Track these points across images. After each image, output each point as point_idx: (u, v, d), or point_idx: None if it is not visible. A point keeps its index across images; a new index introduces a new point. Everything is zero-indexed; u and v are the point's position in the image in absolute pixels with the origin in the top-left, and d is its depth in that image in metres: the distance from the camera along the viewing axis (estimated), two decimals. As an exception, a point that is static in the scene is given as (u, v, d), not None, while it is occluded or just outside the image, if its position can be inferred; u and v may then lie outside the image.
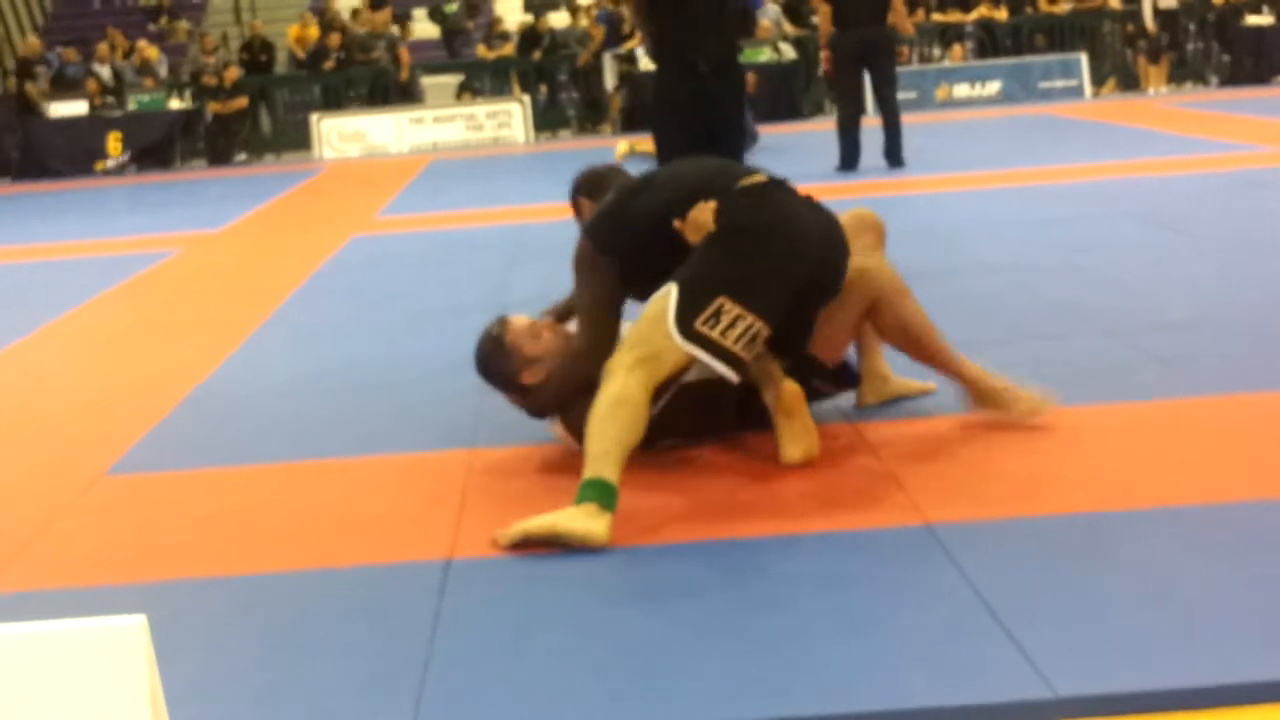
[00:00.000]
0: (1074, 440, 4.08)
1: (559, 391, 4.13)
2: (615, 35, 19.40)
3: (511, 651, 2.92)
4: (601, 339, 4.01)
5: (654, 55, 7.04)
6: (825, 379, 4.38)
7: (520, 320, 4.24)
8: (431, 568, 3.41)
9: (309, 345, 6.36)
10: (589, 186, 4.73)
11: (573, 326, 4.26)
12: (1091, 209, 8.75)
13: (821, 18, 11.69)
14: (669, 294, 3.75)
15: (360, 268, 8.73)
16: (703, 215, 3.86)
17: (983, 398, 4.30)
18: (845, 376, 4.47)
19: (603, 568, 3.36)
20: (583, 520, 3.44)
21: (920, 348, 4.37)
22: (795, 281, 3.86)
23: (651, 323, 3.74)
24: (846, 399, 4.58)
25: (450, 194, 13.03)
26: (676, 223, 3.90)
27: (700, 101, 6.63)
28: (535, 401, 4.21)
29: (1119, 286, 6.22)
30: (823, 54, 11.91)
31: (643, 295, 3.95)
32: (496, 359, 4.21)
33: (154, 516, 4.04)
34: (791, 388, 3.98)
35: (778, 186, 4.07)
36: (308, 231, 10.94)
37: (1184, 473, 3.75)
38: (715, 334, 3.69)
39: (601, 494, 3.47)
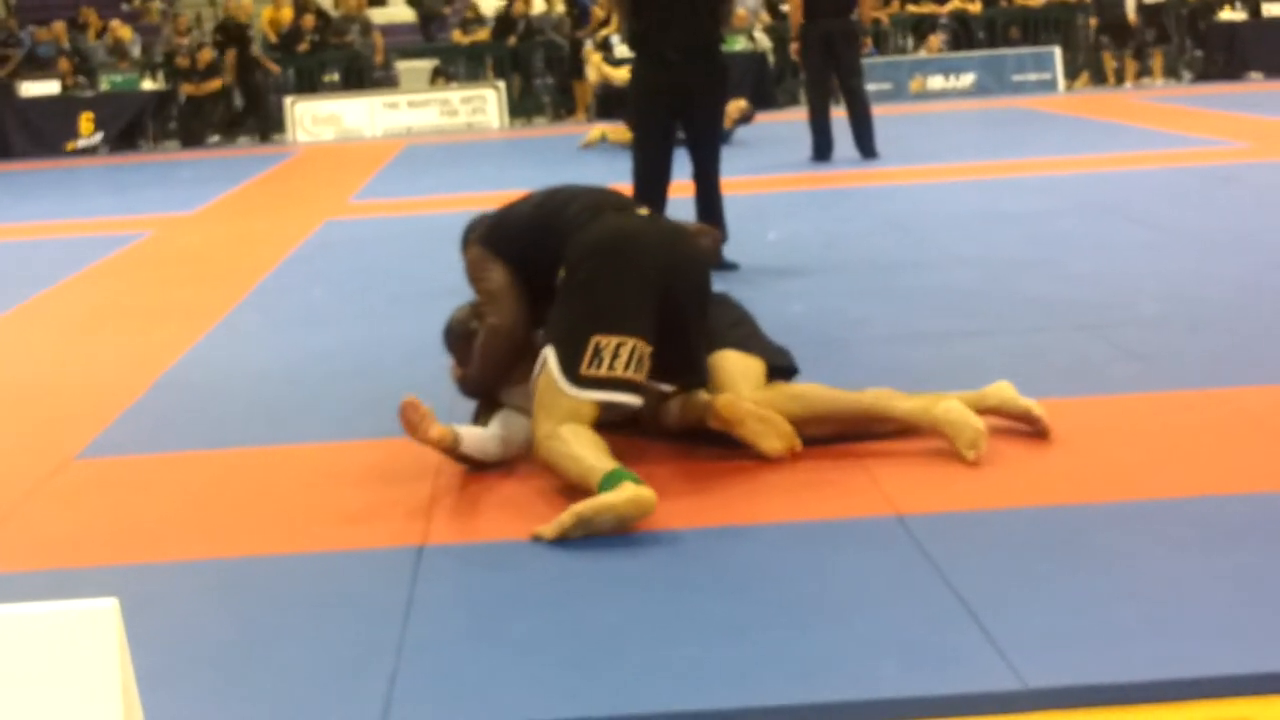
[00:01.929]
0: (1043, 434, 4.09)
1: (482, 370, 4.15)
2: (584, 17, 19.31)
3: (483, 637, 2.92)
4: (515, 310, 4.08)
5: (629, 43, 7.00)
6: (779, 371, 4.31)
7: (461, 311, 4.32)
8: (404, 553, 3.41)
9: (282, 329, 6.35)
10: (473, 228, 4.52)
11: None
12: (1064, 203, 8.78)
13: (791, 7, 11.77)
14: (546, 360, 3.82)
15: (334, 252, 8.70)
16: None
17: (933, 428, 4.01)
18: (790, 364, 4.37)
19: (574, 555, 3.36)
20: (629, 489, 3.44)
21: (843, 421, 4.09)
22: (652, 291, 3.88)
23: (548, 391, 3.80)
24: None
25: (425, 179, 13.00)
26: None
27: (673, 90, 6.57)
28: (469, 383, 4.25)
29: (1091, 281, 6.25)
30: (793, 45, 11.96)
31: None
32: (450, 340, 4.32)
33: (125, 500, 4.03)
34: (722, 399, 3.95)
35: (599, 214, 4.05)
36: (281, 215, 10.90)
37: (1156, 467, 3.78)
38: (604, 371, 3.77)
39: (624, 476, 3.49)
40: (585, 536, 3.42)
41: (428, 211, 10.31)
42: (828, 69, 11.68)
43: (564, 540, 3.41)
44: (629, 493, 3.43)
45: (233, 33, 19.96)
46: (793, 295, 6.20)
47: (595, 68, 15.66)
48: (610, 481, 3.48)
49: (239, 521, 3.77)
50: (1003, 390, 4.15)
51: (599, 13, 19.55)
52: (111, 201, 12.69)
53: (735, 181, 10.17)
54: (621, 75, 14.70)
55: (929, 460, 3.92)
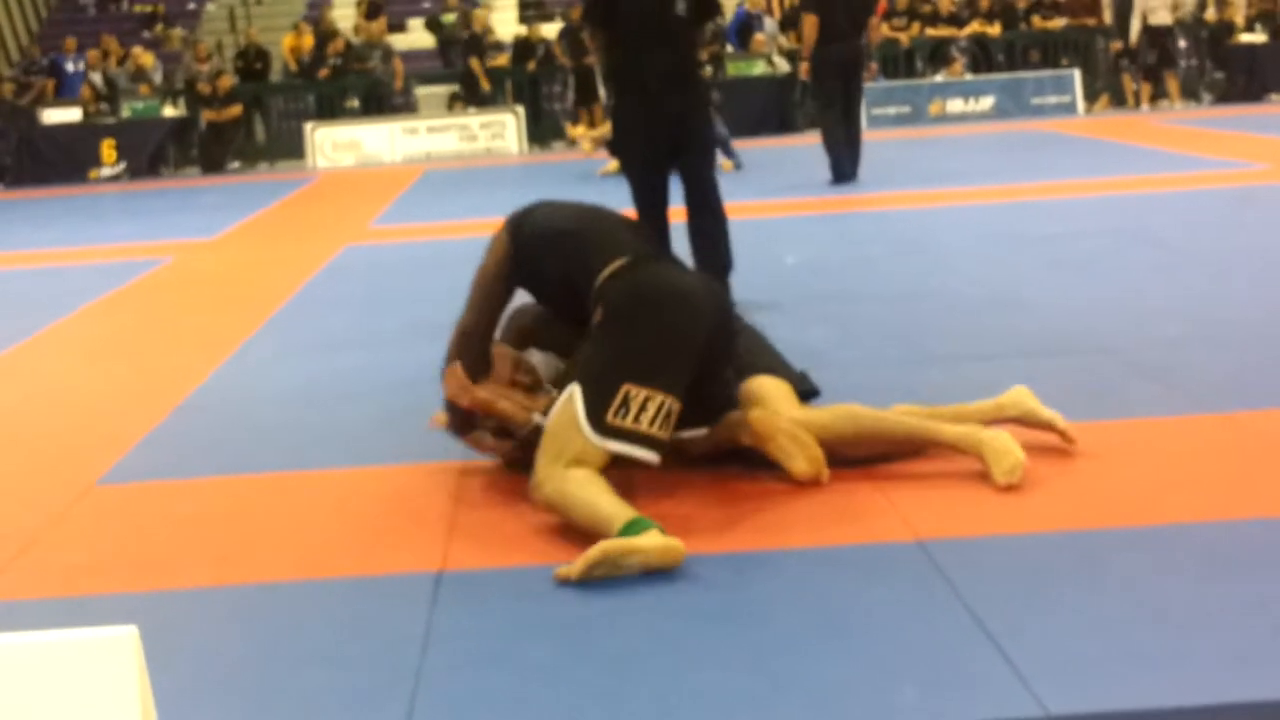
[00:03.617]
0: (1066, 457, 4.08)
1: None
2: (574, 49, 19.17)
3: (502, 664, 2.92)
4: (490, 303, 4.21)
5: (606, 77, 6.85)
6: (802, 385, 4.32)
7: (503, 347, 4.29)
8: (423, 579, 3.41)
9: (302, 354, 6.36)
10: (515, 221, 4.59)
11: (535, 357, 4.30)
12: (1084, 225, 8.76)
13: (808, 27, 11.75)
14: (573, 398, 3.73)
15: (354, 277, 8.72)
16: None
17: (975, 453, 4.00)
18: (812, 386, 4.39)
19: (592, 580, 3.35)
20: (658, 538, 3.35)
21: (890, 443, 4.11)
22: (692, 347, 3.82)
23: (566, 429, 3.71)
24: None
25: (444, 204, 13.03)
26: None
27: (655, 120, 6.39)
28: (514, 458, 4.17)
29: (1110, 303, 6.24)
30: (803, 66, 12.04)
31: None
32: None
33: (145, 526, 4.03)
34: (756, 414, 3.96)
35: (643, 261, 4.02)
36: (301, 240, 10.93)
37: (1176, 491, 3.76)
38: (629, 423, 3.68)
39: (648, 524, 3.40)
40: (607, 574, 3.32)
41: (447, 237, 10.33)
42: (840, 97, 11.73)
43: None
44: (660, 542, 3.33)
45: (252, 59, 20.09)
46: (811, 319, 6.20)
47: (585, 139, 15.62)
48: (635, 529, 3.38)
49: (258, 547, 3.78)
50: (1023, 399, 4.13)
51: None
52: (133, 227, 12.75)
53: (753, 205, 10.20)
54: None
55: (948, 484, 3.90)
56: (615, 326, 3.83)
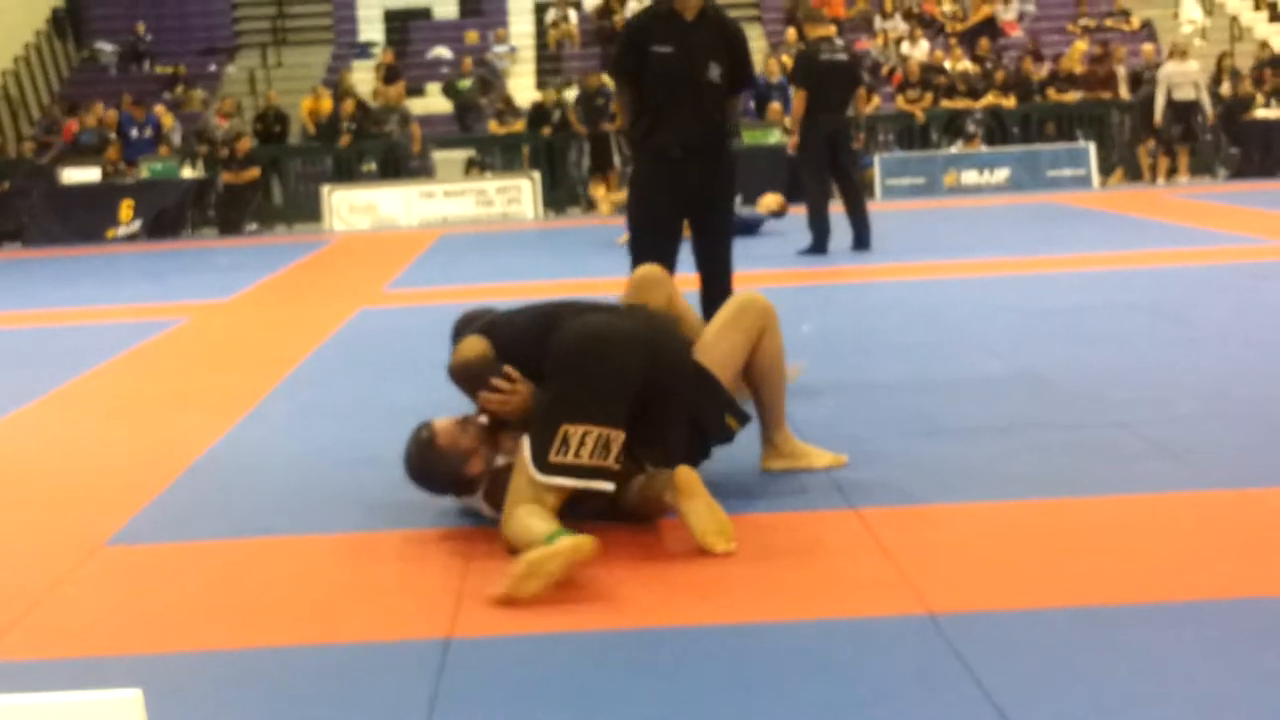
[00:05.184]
0: (1081, 532, 4.06)
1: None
2: (589, 115, 19.27)
3: (509, 734, 2.89)
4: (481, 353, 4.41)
5: (629, 137, 6.50)
6: (734, 414, 4.52)
7: (444, 420, 4.43)
8: (431, 646, 3.39)
9: (314, 417, 6.36)
10: (464, 325, 4.69)
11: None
12: (1098, 299, 8.76)
13: (797, 101, 12.16)
14: (524, 444, 4.07)
15: (368, 340, 8.74)
16: None
17: (786, 456, 4.78)
18: (745, 414, 4.61)
19: (604, 650, 3.33)
20: (567, 540, 3.66)
21: (773, 385, 4.69)
22: (626, 380, 4.11)
23: (516, 478, 4.07)
24: (851, 485, 4.57)
25: (460, 268, 13.08)
26: None
27: (674, 190, 6.10)
28: (495, 497, 4.31)
29: (1126, 377, 6.22)
30: (791, 139, 12.36)
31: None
32: (434, 461, 4.39)
33: (153, 588, 4.02)
34: (682, 470, 4.08)
35: (585, 311, 4.35)
36: (317, 303, 10.97)
37: (1192, 567, 3.73)
38: (570, 458, 3.99)
39: (563, 532, 3.74)
40: (612, 629, 3.38)
41: (462, 301, 10.32)
42: (827, 165, 11.99)
43: (593, 632, 3.38)
44: (570, 542, 3.65)
45: (271, 122, 20.24)
46: (824, 388, 6.18)
47: (605, 201, 15.73)
48: (551, 539, 3.70)
49: (266, 611, 3.76)
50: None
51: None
52: (149, 288, 12.81)
53: (765, 274, 10.21)
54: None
55: (961, 557, 3.88)
56: (555, 373, 4.13)
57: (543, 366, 4.21)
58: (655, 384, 4.18)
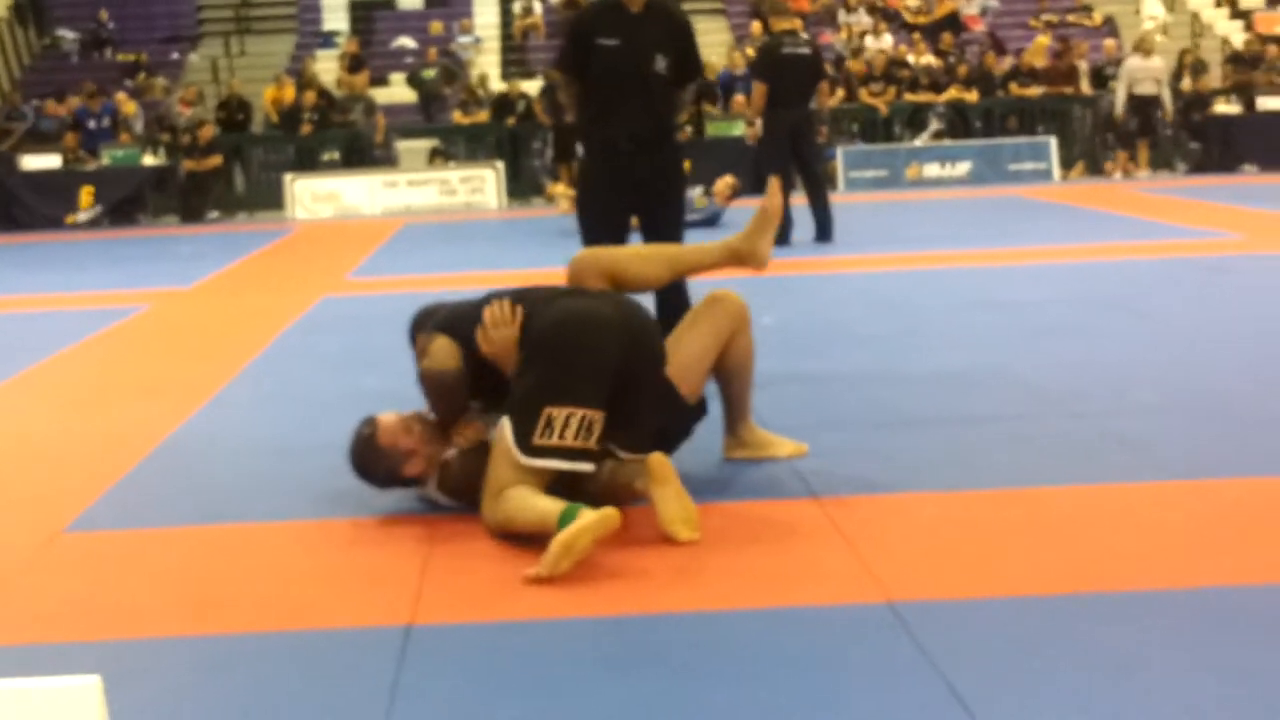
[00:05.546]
0: (1042, 522, 4.08)
1: (468, 471, 4.31)
2: (554, 107, 19.19)
3: (470, 721, 2.89)
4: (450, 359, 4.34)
5: (576, 128, 6.45)
6: (695, 417, 4.58)
7: (389, 417, 4.44)
8: (392, 633, 3.39)
9: (275, 405, 6.34)
10: (420, 321, 4.67)
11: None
12: (1058, 291, 8.81)
13: (756, 94, 12.18)
14: (504, 429, 4.08)
15: (330, 328, 8.71)
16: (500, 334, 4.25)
17: (748, 445, 4.83)
18: (703, 407, 4.65)
19: (566, 638, 3.34)
20: (591, 515, 3.71)
21: (742, 381, 4.75)
22: (604, 362, 4.14)
23: (500, 461, 4.07)
24: (813, 471, 4.59)
25: (422, 257, 13.05)
26: (479, 335, 4.28)
27: (623, 183, 6.03)
28: (449, 485, 4.37)
29: (1085, 369, 6.26)
30: (749, 130, 12.37)
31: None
32: (373, 459, 4.41)
33: (111, 575, 4.00)
34: (657, 455, 4.11)
35: (557, 297, 4.37)
36: (278, 291, 10.92)
37: (1148, 557, 3.76)
38: (554, 441, 4.03)
39: (578, 507, 3.77)
40: (577, 617, 3.39)
41: (425, 290, 10.30)
42: (789, 156, 12.00)
43: (554, 620, 3.38)
44: (596, 516, 3.70)
45: (234, 110, 20.14)
46: (787, 378, 6.20)
47: (564, 197, 15.67)
48: (569, 516, 3.75)
49: (225, 598, 3.74)
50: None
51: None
52: (109, 275, 12.72)
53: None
54: None
55: (921, 546, 3.90)
56: (533, 357, 4.16)
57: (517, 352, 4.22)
58: (630, 368, 4.21)
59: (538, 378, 4.11)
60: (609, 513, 3.72)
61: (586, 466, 4.10)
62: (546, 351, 4.15)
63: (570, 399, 4.05)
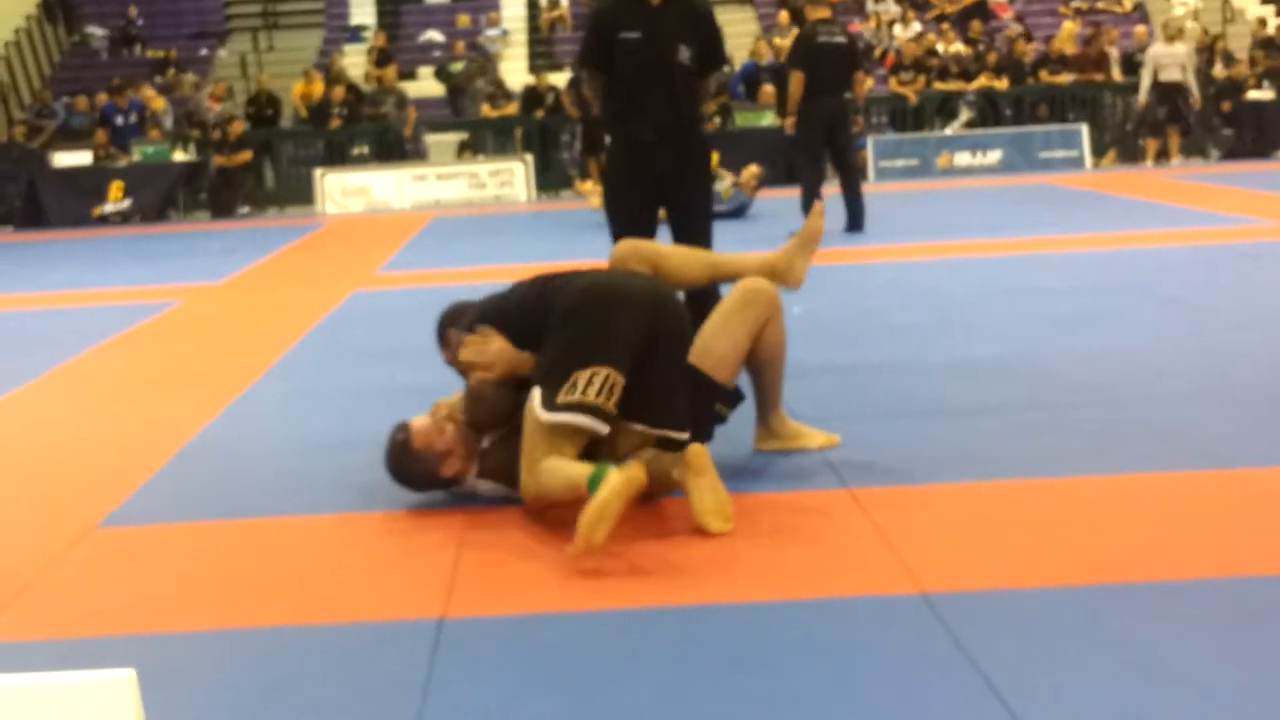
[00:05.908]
0: (1073, 511, 4.06)
1: (508, 454, 4.34)
2: (581, 100, 19.19)
3: (504, 715, 2.89)
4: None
5: (602, 122, 6.45)
6: (726, 401, 4.58)
7: (421, 421, 4.45)
8: (425, 626, 3.39)
9: (306, 400, 6.35)
10: (452, 317, 4.73)
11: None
12: (1091, 280, 8.76)
13: (794, 84, 12.12)
14: (533, 397, 4.14)
15: (360, 322, 8.73)
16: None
17: (780, 436, 4.80)
18: (739, 394, 4.65)
19: (599, 630, 3.33)
20: (616, 477, 3.73)
21: (774, 370, 4.72)
22: (633, 330, 4.20)
23: (531, 433, 4.13)
24: (845, 464, 4.57)
25: (452, 251, 13.07)
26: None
27: (648, 175, 6.07)
28: (489, 470, 4.42)
29: (1118, 357, 6.22)
30: (788, 120, 12.32)
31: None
32: (410, 463, 4.43)
33: (145, 569, 4.02)
34: (695, 446, 4.11)
35: (585, 273, 4.44)
36: (309, 285, 10.95)
37: (1183, 547, 3.74)
38: (576, 396, 4.09)
39: (605, 469, 3.81)
40: (603, 610, 3.38)
41: (455, 283, 10.33)
42: (824, 147, 11.98)
43: (584, 614, 3.38)
44: (619, 478, 3.72)
45: (263, 105, 20.18)
46: (818, 369, 6.18)
47: (593, 194, 15.68)
48: (598, 477, 3.79)
49: (258, 592, 3.76)
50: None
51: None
52: (140, 271, 12.78)
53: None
54: None
55: (954, 537, 3.88)
56: (562, 324, 4.22)
57: (545, 329, 4.26)
58: (657, 341, 4.25)
59: (565, 345, 4.17)
60: (633, 474, 3.76)
61: (599, 426, 4.12)
62: (575, 317, 4.21)
63: (596, 358, 4.12)
